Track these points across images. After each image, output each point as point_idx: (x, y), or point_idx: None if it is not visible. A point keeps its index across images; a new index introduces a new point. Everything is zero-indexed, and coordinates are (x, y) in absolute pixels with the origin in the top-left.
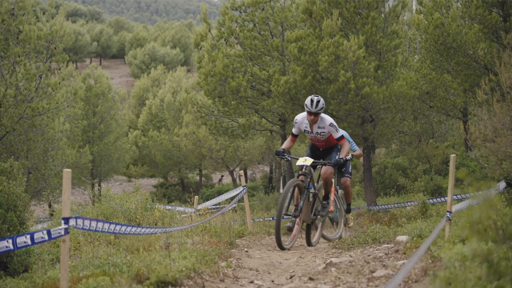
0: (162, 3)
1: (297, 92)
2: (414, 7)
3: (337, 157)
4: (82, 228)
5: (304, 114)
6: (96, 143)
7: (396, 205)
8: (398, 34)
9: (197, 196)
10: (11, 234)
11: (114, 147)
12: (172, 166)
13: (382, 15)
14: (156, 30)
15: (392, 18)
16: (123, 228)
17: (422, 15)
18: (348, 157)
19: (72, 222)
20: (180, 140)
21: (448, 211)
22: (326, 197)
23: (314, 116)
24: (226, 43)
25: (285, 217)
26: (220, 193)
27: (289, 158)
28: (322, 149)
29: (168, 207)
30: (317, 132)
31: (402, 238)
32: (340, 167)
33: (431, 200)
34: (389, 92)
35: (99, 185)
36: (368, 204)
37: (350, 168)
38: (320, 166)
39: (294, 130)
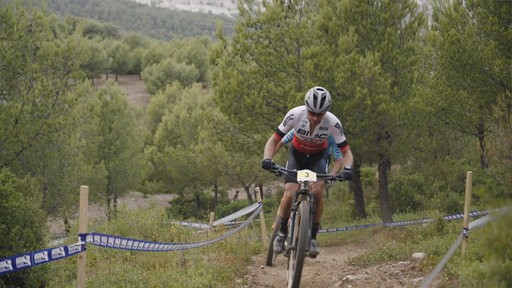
0: (178, 19)
1: None
2: (430, 24)
3: (346, 166)
4: (99, 245)
5: (303, 109)
6: (112, 159)
7: (412, 221)
8: (414, 51)
9: (212, 213)
10: (27, 250)
11: (130, 163)
12: (187, 182)
13: (398, 31)
14: (172, 46)
15: (408, 34)
16: (139, 244)
17: (438, 31)
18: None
19: (89, 238)
20: (196, 156)
21: (464, 228)
22: (314, 233)
23: (317, 116)
24: (242, 59)
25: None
26: (235, 209)
27: (283, 172)
28: (309, 155)
29: (184, 223)
30: (317, 135)
31: (418, 255)
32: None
33: (447, 217)
34: (405, 109)
35: (115, 201)
36: (384, 221)
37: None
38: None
39: (283, 128)
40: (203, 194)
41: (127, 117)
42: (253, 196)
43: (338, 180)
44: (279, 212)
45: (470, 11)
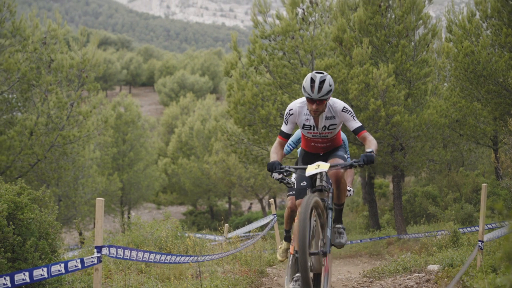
0: (191, 31)
1: None
2: (443, 35)
3: (367, 150)
4: (115, 257)
5: (303, 101)
6: (126, 170)
7: (426, 233)
8: (428, 62)
9: (227, 225)
10: (42, 262)
11: (143, 175)
12: (201, 193)
13: (412, 43)
14: (185, 58)
15: (422, 46)
16: (155, 256)
17: (452, 43)
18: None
19: (105, 250)
20: (210, 167)
21: (480, 240)
22: (339, 217)
23: (317, 104)
24: (256, 71)
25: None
26: (249, 221)
27: (292, 170)
28: (323, 154)
29: (199, 235)
30: (325, 127)
31: (433, 267)
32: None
33: (462, 229)
34: (419, 120)
35: (129, 213)
36: (398, 233)
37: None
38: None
39: (286, 127)
40: (217, 205)
41: (141, 129)
42: (266, 208)
43: (358, 166)
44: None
45: (484, 22)
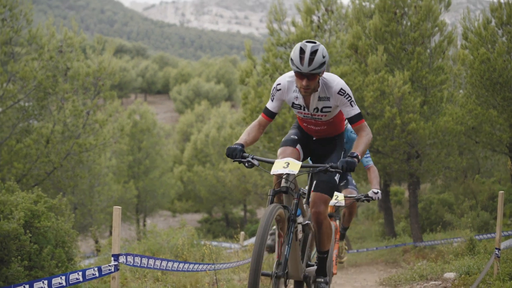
0: (206, 39)
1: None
2: (459, 42)
3: (346, 155)
4: (132, 265)
5: (293, 75)
6: (141, 178)
7: (442, 241)
8: (443, 70)
9: (242, 232)
10: (59, 270)
11: (159, 182)
12: (216, 201)
13: (428, 50)
14: (200, 66)
15: (438, 53)
16: (171, 264)
17: (467, 50)
18: (375, 197)
19: (122, 259)
20: (225, 175)
21: (496, 248)
22: (322, 268)
23: (308, 80)
24: (271, 79)
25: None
26: None
27: (255, 163)
28: (317, 138)
29: (214, 243)
30: (317, 108)
31: (449, 275)
32: (342, 176)
33: (478, 237)
34: (435, 128)
35: (144, 220)
36: (414, 240)
37: (352, 179)
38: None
39: (271, 105)
40: (232, 213)
41: (156, 136)
42: None
43: (335, 171)
44: None
45: (499, 29)
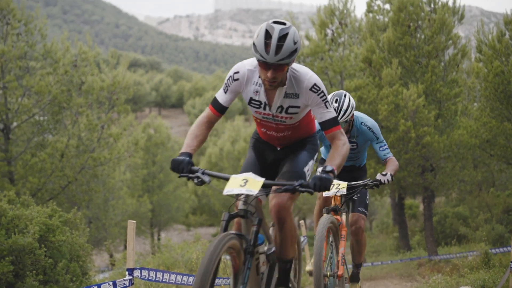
0: (220, 53)
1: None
2: (473, 55)
3: (319, 169)
4: (147, 279)
5: (253, 62)
6: (156, 192)
7: (457, 255)
8: (458, 83)
9: None
10: (74, 284)
11: (173, 196)
12: None
13: (442, 63)
14: (214, 79)
15: (452, 66)
16: (188, 278)
17: (481, 63)
18: (384, 179)
19: (136, 273)
20: None
21: None
22: (284, 279)
23: (274, 71)
24: None
25: None
26: None
27: (206, 180)
28: (281, 148)
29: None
30: (281, 108)
31: None
32: (348, 192)
33: (493, 250)
34: (449, 141)
35: (159, 234)
36: (429, 254)
37: (367, 198)
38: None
39: (223, 97)
40: None
41: (171, 150)
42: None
43: (305, 191)
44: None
45: None
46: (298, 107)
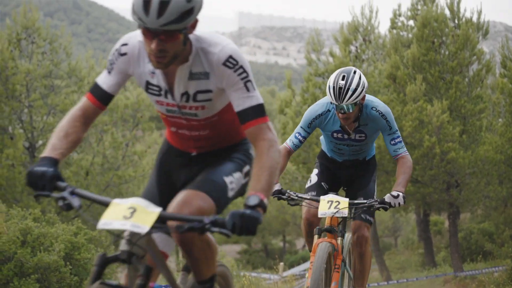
0: None
1: (382, 157)
2: (497, 71)
3: (250, 193)
4: None
5: (137, 35)
6: None
7: (483, 271)
8: (482, 98)
9: (282, 263)
10: None
11: None
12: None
13: (466, 79)
14: None
15: (476, 82)
16: None
17: (506, 78)
18: (395, 202)
19: None
20: None
21: None
22: None
23: (160, 41)
24: None
25: None
26: (305, 259)
27: (75, 203)
28: (198, 154)
29: (254, 274)
30: (186, 95)
31: None
32: (352, 194)
33: None
34: (474, 157)
35: None
36: (455, 270)
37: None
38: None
39: (106, 80)
40: (271, 244)
41: None
42: None
43: (220, 232)
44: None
45: None
46: (210, 91)
